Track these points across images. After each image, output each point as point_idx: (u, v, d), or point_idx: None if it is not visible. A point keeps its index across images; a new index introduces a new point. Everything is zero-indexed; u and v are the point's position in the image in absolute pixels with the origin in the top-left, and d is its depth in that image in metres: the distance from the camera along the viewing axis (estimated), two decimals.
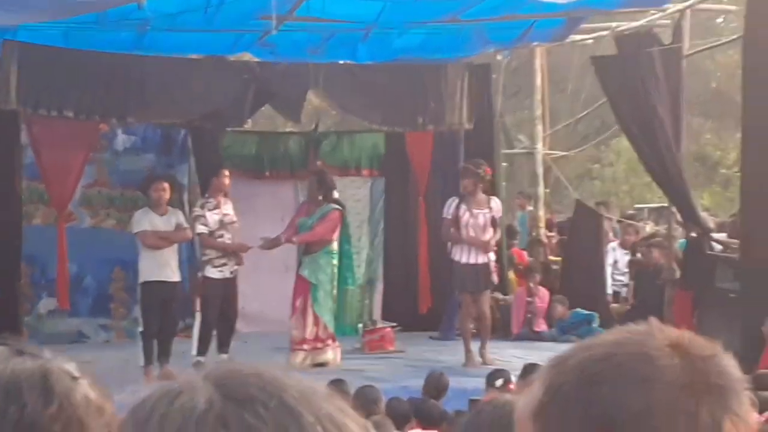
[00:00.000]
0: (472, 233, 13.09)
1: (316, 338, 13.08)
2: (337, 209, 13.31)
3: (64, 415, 1.55)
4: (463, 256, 13.13)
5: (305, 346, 13.03)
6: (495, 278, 13.53)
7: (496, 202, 13.43)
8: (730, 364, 1.48)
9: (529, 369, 9.21)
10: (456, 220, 13.09)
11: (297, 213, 13.46)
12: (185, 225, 12.70)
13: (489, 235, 13.17)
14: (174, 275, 12.58)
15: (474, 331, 13.46)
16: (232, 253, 12.96)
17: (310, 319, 13.03)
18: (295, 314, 13.05)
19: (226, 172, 13.13)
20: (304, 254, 13.13)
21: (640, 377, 1.43)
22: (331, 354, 13.18)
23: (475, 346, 13.27)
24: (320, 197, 13.18)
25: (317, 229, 13.05)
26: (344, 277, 14.15)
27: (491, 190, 13.73)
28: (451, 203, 13.21)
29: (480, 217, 13.12)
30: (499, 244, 13.90)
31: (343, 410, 1.25)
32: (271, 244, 13.14)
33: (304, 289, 13.07)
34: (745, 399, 1.47)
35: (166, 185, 12.70)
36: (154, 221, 12.50)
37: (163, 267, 12.46)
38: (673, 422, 1.42)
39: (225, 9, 12.15)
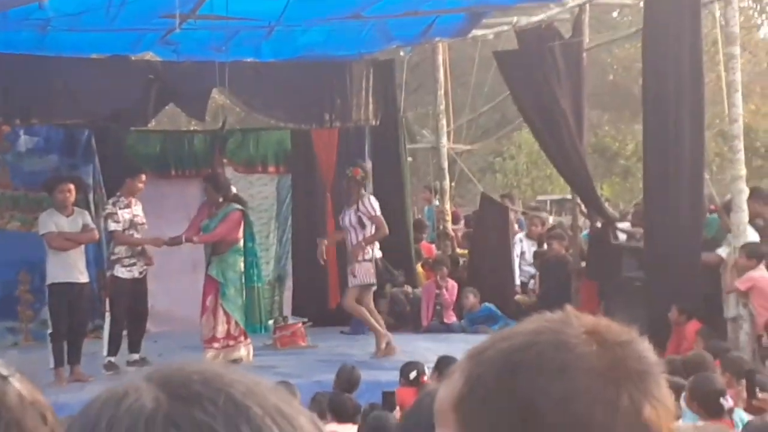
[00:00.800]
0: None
1: (228, 336, 13.08)
2: (238, 209, 13.31)
3: (1, 424, 1.49)
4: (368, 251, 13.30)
5: (216, 345, 13.01)
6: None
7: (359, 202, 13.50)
8: (646, 348, 1.52)
9: (443, 361, 9.31)
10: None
11: (198, 214, 13.34)
12: (92, 225, 12.62)
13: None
14: (82, 276, 12.48)
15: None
16: (143, 251, 12.90)
17: (220, 317, 13.02)
18: (205, 313, 13.02)
19: (143, 177, 13.06)
20: (212, 254, 13.10)
21: (559, 365, 1.46)
22: (244, 351, 13.20)
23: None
24: (220, 199, 13.17)
25: (218, 230, 13.05)
26: (250, 274, 14.14)
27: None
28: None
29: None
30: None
31: (288, 402, 1.26)
32: (171, 242, 13.09)
33: (213, 287, 13.05)
34: (663, 383, 1.51)
35: (70, 186, 12.58)
36: (59, 222, 12.39)
37: (70, 268, 12.36)
38: (594, 408, 1.44)
39: (127, 8, 12.04)
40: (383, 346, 13.22)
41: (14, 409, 1.50)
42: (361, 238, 13.23)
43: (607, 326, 1.53)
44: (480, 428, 1.48)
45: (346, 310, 13.60)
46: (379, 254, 13.40)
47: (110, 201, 13.10)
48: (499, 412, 1.46)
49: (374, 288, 13.55)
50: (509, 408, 1.46)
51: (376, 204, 13.35)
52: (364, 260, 13.22)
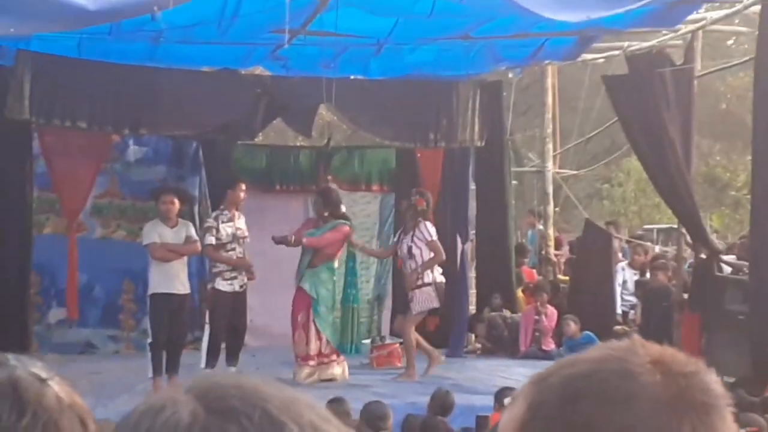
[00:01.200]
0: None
1: (320, 353, 13.09)
2: (347, 224, 13.36)
3: (39, 423, 1.52)
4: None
5: (311, 362, 13.03)
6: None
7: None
8: (712, 380, 1.48)
9: (502, 392, 9.23)
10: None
11: (303, 226, 13.40)
12: (195, 237, 12.71)
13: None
14: (183, 288, 12.58)
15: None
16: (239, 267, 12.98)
17: (313, 334, 13.04)
18: (297, 330, 13.03)
19: (243, 186, 13.15)
20: (307, 267, 13.09)
21: (622, 394, 1.42)
22: (338, 369, 13.20)
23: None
24: (326, 214, 13.20)
25: (327, 235, 13.08)
26: (348, 294, 14.18)
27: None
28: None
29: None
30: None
31: (325, 418, 1.26)
32: (279, 240, 13.10)
33: (304, 303, 13.06)
34: (729, 416, 1.46)
35: (173, 198, 12.70)
36: (163, 233, 12.51)
37: (172, 279, 12.46)
38: None
39: (238, 22, 12.15)
40: (411, 372, 13.35)
41: (52, 410, 1.53)
42: (414, 266, 13.24)
43: (673, 356, 1.49)
44: None
45: (401, 334, 13.59)
46: (441, 279, 13.35)
47: (213, 214, 13.19)
48: None
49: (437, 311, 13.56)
50: None
51: (432, 229, 13.41)
52: (424, 285, 13.20)
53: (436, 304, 13.31)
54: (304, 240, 13.03)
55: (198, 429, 1.20)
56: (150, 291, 12.56)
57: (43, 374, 1.58)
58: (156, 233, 12.45)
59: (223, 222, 12.86)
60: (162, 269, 12.44)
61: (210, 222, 13.00)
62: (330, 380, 12.93)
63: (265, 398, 1.24)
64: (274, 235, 13.02)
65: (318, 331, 13.04)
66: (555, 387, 1.47)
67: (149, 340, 12.53)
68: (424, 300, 13.22)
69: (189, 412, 1.21)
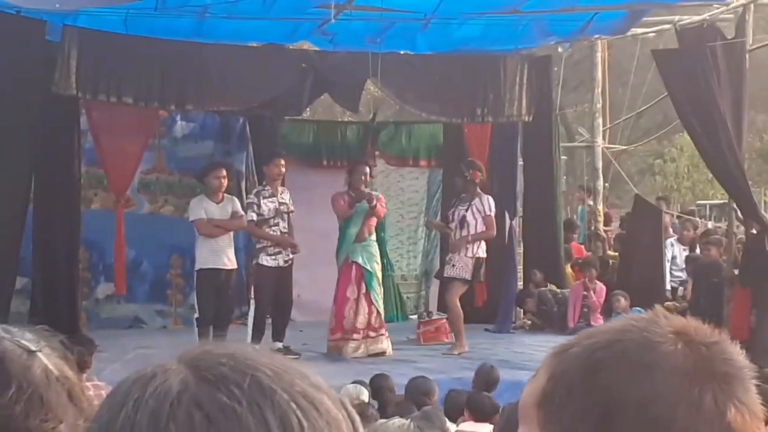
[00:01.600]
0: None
1: (368, 326, 13.07)
2: (381, 195, 13.55)
3: (23, 396, 1.53)
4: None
5: (355, 336, 13.01)
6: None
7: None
8: (735, 351, 1.48)
9: None
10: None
11: (338, 202, 13.18)
12: (241, 213, 12.73)
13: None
14: (230, 263, 12.61)
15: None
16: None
17: (363, 308, 13.02)
18: (346, 304, 13.02)
19: (280, 161, 13.13)
20: (354, 241, 13.05)
21: (642, 363, 1.43)
22: (386, 343, 13.19)
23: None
24: (364, 184, 13.18)
25: (380, 214, 13.31)
26: (385, 264, 14.20)
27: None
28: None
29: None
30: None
31: (317, 386, 1.25)
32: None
33: (358, 276, 13.05)
34: (752, 387, 1.47)
35: (224, 172, 12.74)
36: (210, 209, 12.54)
37: (218, 254, 12.50)
38: (676, 408, 1.41)
39: None
40: (461, 343, 13.35)
41: (38, 383, 1.54)
42: (464, 234, 13.25)
43: (696, 327, 1.49)
44: (562, 424, 1.45)
45: (447, 305, 13.53)
46: (482, 254, 13.31)
47: (254, 191, 13.20)
48: (581, 409, 1.44)
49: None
50: (591, 404, 1.43)
51: (492, 204, 13.42)
52: (466, 256, 13.15)
53: (468, 276, 13.26)
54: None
55: (188, 397, 1.19)
56: (197, 266, 12.63)
57: (32, 346, 1.57)
58: (202, 209, 12.49)
59: (264, 198, 12.86)
60: (209, 245, 12.49)
61: (251, 198, 13.01)
62: (379, 354, 12.94)
63: (256, 366, 1.23)
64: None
65: (369, 305, 13.02)
66: (576, 357, 1.47)
67: (196, 316, 12.59)
68: (461, 268, 13.19)
69: (179, 380, 1.20)
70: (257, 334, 12.75)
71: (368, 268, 13.05)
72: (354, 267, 13.06)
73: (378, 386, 9.49)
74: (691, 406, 1.41)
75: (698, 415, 1.41)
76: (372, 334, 13.12)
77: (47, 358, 1.58)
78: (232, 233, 12.86)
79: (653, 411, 1.41)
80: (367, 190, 13.10)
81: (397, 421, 2.57)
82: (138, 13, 12.84)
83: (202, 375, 1.21)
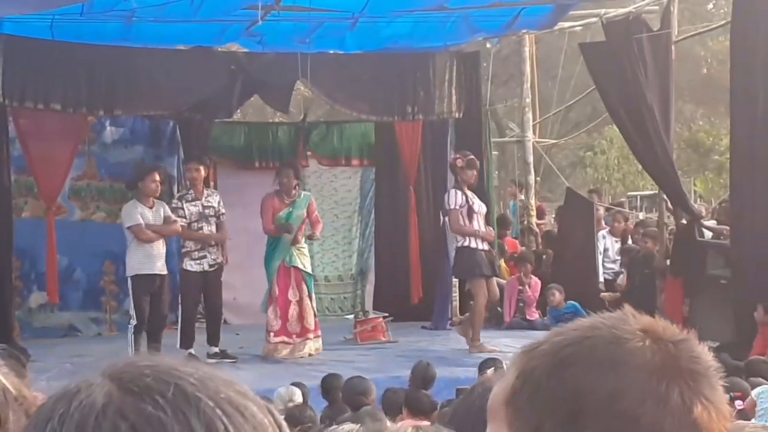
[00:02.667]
0: (482, 221, 13.20)
1: (306, 329, 13.07)
2: (312, 197, 13.50)
3: None
4: (476, 242, 13.14)
5: (299, 338, 13.01)
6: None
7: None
8: (702, 350, 1.50)
9: (486, 364, 9.24)
10: (468, 209, 13.11)
11: (265, 205, 13.10)
12: (173, 217, 12.64)
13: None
14: (163, 268, 12.52)
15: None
16: (216, 244, 12.89)
17: (309, 309, 13.04)
18: (290, 306, 12.99)
19: (193, 165, 13.09)
20: (291, 245, 13.03)
21: (611, 359, 1.44)
22: (319, 343, 13.20)
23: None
24: (295, 187, 13.15)
25: (319, 219, 13.40)
26: None
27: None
28: (455, 194, 13.17)
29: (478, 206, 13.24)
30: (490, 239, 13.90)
31: (242, 393, 1.27)
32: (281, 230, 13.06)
33: (298, 279, 13.02)
34: (718, 385, 1.48)
35: (159, 176, 12.65)
36: (145, 214, 12.42)
37: (153, 260, 12.39)
38: (643, 404, 1.42)
39: None
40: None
41: None
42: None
43: (664, 326, 1.51)
44: (531, 421, 1.47)
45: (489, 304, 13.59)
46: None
47: (178, 195, 13.12)
48: (550, 405, 1.45)
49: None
50: (559, 400, 1.45)
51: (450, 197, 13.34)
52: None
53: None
54: (317, 234, 13.38)
55: (112, 409, 1.20)
56: (131, 272, 12.48)
57: None
58: (138, 214, 12.36)
59: (187, 201, 12.80)
60: (143, 250, 12.38)
61: (175, 203, 12.94)
62: (311, 355, 12.98)
63: (180, 376, 1.24)
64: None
65: (311, 307, 13.04)
66: (545, 354, 1.49)
67: (133, 322, 12.42)
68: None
69: (104, 393, 1.21)
70: (185, 340, 12.67)
71: (308, 270, 13.06)
72: (293, 270, 13.03)
73: (329, 386, 9.50)
74: (658, 401, 1.43)
75: (665, 410, 1.43)
76: (310, 335, 13.14)
77: (5, 377, 1.57)
78: (163, 239, 12.76)
79: (620, 406, 1.42)
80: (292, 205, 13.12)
81: (347, 426, 2.55)
82: (64, 18, 12.70)
83: (126, 387, 1.22)
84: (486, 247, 13.28)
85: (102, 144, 15.86)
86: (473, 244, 13.14)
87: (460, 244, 13.19)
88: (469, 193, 13.24)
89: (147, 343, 12.24)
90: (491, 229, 13.72)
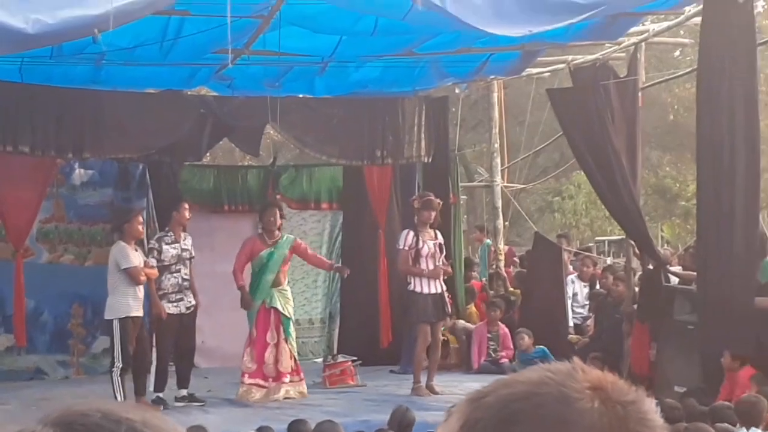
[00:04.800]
0: (431, 264, 13.19)
1: (281, 373, 13.05)
2: (297, 238, 13.49)
3: None
4: (423, 286, 13.17)
5: (275, 381, 12.98)
6: (449, 308, 13.72)
7: (438, 232, 13.51)
8: (651, 410, 1.46)
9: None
10: (416, 251, 13.15)
11: (245, 248, 13.18)
12: (151, 261, 12.60)
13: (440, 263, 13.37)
14: (141, 311, 12.43)
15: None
16: (191, 287, 12.87)
17: (285, 352, 13.01)
18: (267, 348, 12.97)
19: (186, 205, 13.08)
20: (272, 286, 13.02)
21: (558, 419, 1.41)
22: (303, 387, 13.21)
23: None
24: (278, 229, 13.16)
25: (315, 254, 13.61)
26: None
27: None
28: (406, 235, 13.25)
29: (433, 247, 13.24)
30: (447, 274, 13.91)
31: None
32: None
33: (276, 321, 13.01)
34: None
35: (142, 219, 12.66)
36: (135, 256, 12.37)
37: (140, 302, 12.33)
38: None
39: (181, 43, 12.11)
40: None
41: None
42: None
43: (614, 383, 1.47)
44: None
45: (437, 349, 13.68)
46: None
47: (156, 236, 13.06)
48: None
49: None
50: None
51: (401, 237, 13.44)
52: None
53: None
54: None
55: None
56: (120, 315, 12.16)
57: None
58: (131, 256, 12.28)
59: (166, 243, 12.76)
60: (133, 292, 12.27)
61: (153, 243, 12.88)
62: (300, 397, 13.00)
63: (127, 416, 1.25)
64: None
65: (290, 350, 13.01)
66: (491, 407, 1.45)
67: (118, 365, 12.20)
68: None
69: None
70: (159, 382, 12.63)
71: (286, 313, 13.04)
72: (272, 312, 13.01)
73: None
74: None
75: None
76: (295, 378, 13.12)
77: None
78: None
79: None
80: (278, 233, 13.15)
81: None
82: (33, 61, 12.71)
83: (73, 428, 1.21)
84: (436, 290, 13.30)
85: (71, 186, 15.83)
86: (418, 288, 13.20)
87: (408, 288, 13.28)
88: (428, 234, 13.29)
89: (135, 386, 12.18)
90: (446, 266, 13.65)
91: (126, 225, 12.50)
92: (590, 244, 26.95)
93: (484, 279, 18.49)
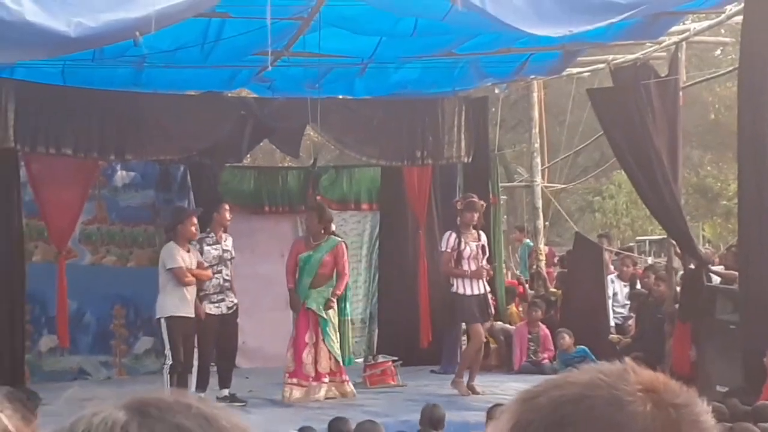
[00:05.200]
0: (473, 265, 13.18)
1: (331, 372, 13.07)
2: (343, 241, 13.42)
3: None
4: (467, 287, 13.17)
5: (314, 381, 13.00)
6: (492, 309, 13.70)
7: (481, 233, 13.50)
8: (703, 411, 1.46)
9: (494, 409, 9.21)
10: (458, 253, 13.15)
11: (293, 250, 13.27)
12: (205, 263, 12.66)
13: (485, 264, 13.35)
14: (193, 312, 12.47)
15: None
16: (231, 287, 12.90)
17: (324, 353, 13.02)
18: (305, 349, 12.98)
19: (227, 206, 13.11)
20: (310, 288, 13.05)
21: (609, 423, 1.40)
22: (350, 387, 13.21)
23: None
24: (321, 231, 13.17)
25: (344, 270, 13.27)
26: (342, 308, 14.20)
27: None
28: (449, 236, 13.25)
29: (476, 248, 13.23)
30: (489, 275, 13.89)
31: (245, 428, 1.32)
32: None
33: (314, 322, 13.02)
34: None
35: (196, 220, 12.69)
36: (183, 257, 12.42)
37: (188, 303, 12.36)
38: None
39: (221, 45, 12.18)
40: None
41: None
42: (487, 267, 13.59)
43: (665, 385, 1.46)
44: None
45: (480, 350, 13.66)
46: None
47: (197, 237, 13.04)
48: None
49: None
50: None
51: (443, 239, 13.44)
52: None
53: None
54: (338, 293, 13.37)
55: (136, 424, 1.23)
56: (166, 313, 12.28)
57: None
58: (179, 256, 12.35)
59: (208, 245, 12.81)
60: (180, 293, 12.33)
61: (193, 244, 12.92)
62: (345, 397, 13.04)
63: (195, 403, 1.30)
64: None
65: (328, 351, 13.02)
66: (543, 408, 1.44)
67: (168, 362, 12.30)
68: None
69: (124, 413, 1.25)
70: (201, 383, 12.66)
71: (322, 314, 13.03)
72: (309, 313, 13.03)
73: (337, 430, 9.48)
74: None
75: None
76: (336, 378, 13.13)
77: (8, 419, 1.55)
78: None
79: None
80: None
81: None
82: (75, 64, 12.81)
83: (143, 411, 1.25)
84: (480, 291, 13.30)
85: (113, 188, 15.93)
86: (461, 290, 13.19)
87: (451, 290, 13.28)
88: (471, 235, 13.29)
89: (197, 382, 12.30)
90: (488, 267, 13.63)
91: (180, 226, 12.58)
92: (631, 244, 26.86)
93: (523, 277, 18.48)
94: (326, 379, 13.08)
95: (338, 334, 13.52)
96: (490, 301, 13.64)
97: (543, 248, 17.89)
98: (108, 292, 15.67)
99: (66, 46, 9.82)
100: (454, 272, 13.19)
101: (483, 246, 13.37)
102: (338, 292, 13.27)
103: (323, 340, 13.01)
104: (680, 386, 1.48)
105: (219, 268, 12.81)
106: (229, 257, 12.92)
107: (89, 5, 9.12)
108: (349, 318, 15.73)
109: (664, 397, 1.43)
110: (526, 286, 17.99)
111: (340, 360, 13.27)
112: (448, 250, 13.17)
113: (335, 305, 13.34)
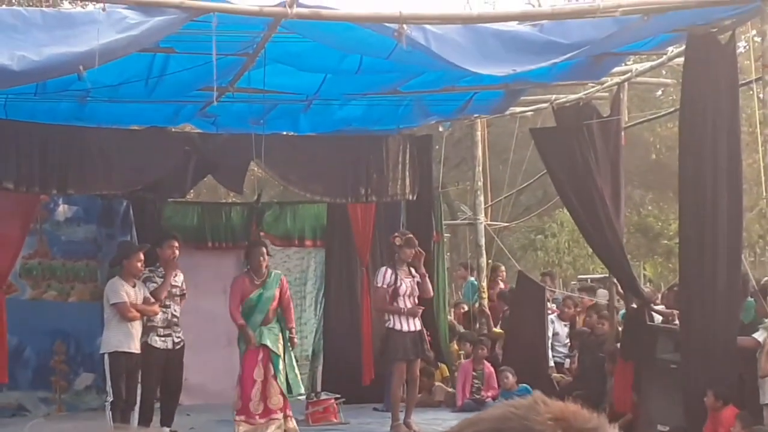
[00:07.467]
0: (409, 303, 13.19)
1: (269, 409, 12.97)
2: (282, 274, 13.43)
3: None
4: (402, 324, 13.18)
5: (262, 419, 12.90)
6: (428, 345, 13.69)
7: (413, 269, 13.50)
8: None
9: None
10: (395, 289, 13.16)
11: (235, 288, 13.16)
12: (152, 298, 12.57)
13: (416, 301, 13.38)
14: (138, 348, 12.38)
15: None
16: (179, 322, 12.83)
17: (275, 389, 12.93)
18: (254, 386, 12.88)
19: (173, 242, 13.01)
20: (260, 324, 12.96)
21: None
22: (292, 423, 13.13)
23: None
24: (265, 267, 13.12)
25: (290, 303, 13.28)
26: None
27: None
28: (384, 272, 13.27)
29: (411, 285, 13.25)
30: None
31: None
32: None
33: (265, 359, 12.94)
34: None
35: (142, 256, 12.61)
36: (128, 292, 12.33)
37: (132, 339, 12.28)
38: None
39: (166, 80, 12.13)
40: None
41: None
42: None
43: (575, 413, 1.49)
44: None
45: (414, 386, 13.65)
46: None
47: (147, 270, 12.91)
48: None
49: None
50: None
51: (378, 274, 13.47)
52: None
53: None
54: (293, 328, 13.26)
55: None
56: (109, 349, 12.23)
57: None
58: (123, 292, 12.27)
59: (158, 277, 12.75)
60: (125, 328, 12.26)
61: (146, 273, 12.81)
62: None
63: None
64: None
65: (279, 387, 12.93)
66: None
67: (109, 399, 12.22)
68: None
69: None
70: (144, 418, 12.53)
71: (274, 350, 12.95)
72: (261, 350, 12.94)
73: None
74: None
75: None
76: (287, 413, 13.05)
77: None
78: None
79: None
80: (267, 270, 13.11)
81: None
82: (18, 98, 12.72)
83: None
84: (415, 327, 13.29)
85: (54, 222, 15.82)
86: (397, 326, 13.20)
87: (386, 324, 13.28)
88: (405, 272, 13.31)
89: (138, 420, 12.15)
90: (419, 306, 13.58)
91: (125, 261, 12.53)
92: (573, 282, 26.97)
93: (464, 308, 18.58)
94: (276, 416, 12.99)
95: (295, 364, 13.42)
96: (426, 338, 13.66)
97: (485, 285, 17.90)
98: (48, 328, 15.51)
99: (9, 80, 9.74)
100: (389, 309, 13.20)
101: (418, 282, 13.39)
102: (293, 326, 13.22)
103: (274, 376, 12.93)
104: (590, 413, 1.50)
105: (168, 303, 12.73)
106: (178, 293, 12.86)
107: (33, 39, 9.06)
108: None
109: (573, 425, 1.46)
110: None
111: (286, 396, 13.19)
112: (384, 286, 13.20)
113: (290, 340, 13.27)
